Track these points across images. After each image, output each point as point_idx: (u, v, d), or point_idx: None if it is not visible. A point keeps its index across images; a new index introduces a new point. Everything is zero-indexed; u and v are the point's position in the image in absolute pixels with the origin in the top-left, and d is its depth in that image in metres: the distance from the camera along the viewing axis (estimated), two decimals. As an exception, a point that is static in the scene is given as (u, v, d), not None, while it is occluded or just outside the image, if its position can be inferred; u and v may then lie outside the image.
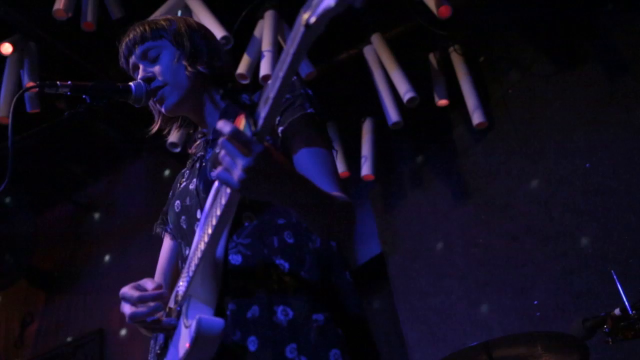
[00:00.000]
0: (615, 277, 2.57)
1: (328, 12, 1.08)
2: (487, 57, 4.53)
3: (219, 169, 1.31)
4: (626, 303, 2.41)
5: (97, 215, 5.76)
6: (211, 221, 1.49)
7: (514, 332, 3.22)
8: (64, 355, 5.31)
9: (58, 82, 1.75)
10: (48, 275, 5.75)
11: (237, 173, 1.28)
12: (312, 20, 1.09)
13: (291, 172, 1.41)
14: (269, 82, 1.24)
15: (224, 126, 1.27)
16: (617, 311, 2.42)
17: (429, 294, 4.24)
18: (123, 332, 5.03)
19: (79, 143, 5.31)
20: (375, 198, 4.72)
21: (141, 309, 1.62)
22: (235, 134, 1.26)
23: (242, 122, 1.28)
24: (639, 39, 3.97)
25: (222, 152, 1.29)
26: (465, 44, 4.38)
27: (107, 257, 5.46)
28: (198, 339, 1.46)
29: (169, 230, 2.02)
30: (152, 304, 1.62)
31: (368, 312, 1.65)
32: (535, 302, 3.80)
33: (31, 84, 3.97)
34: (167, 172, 5.29)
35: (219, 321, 1.50)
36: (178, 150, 4.08)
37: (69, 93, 1.76)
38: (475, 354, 2.72)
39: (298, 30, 1.13)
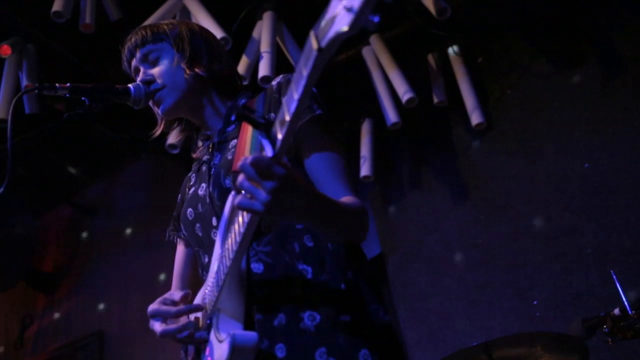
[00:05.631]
0: (614, 277, 2.58)
1: (340, 36, 1.04)
2: (485, 57, 4.53)
3: (240, 196, 1.31)
4: (626, 303, 2.42)
5: (96, 217, 5.76)
6: (234, 237, 1.49)
7: (513, 332, 3.22)
8: (64, 356, 5.31)
9: (57, 84, 1.75)
10: (48, 277, 5.75)
11: (261, 196, 1.28)
12: (324, 44, 1.07)
13: (309, 189, 1.41)
14: (284, 102, 1.22)
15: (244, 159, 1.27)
16: (616, 311, 2.43)
17: (428, 294, 4.24)
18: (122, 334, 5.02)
19: (78, 145, 5.31)
20: (375, 199, 4.72)
21: (172, 326, 1.65)
22: (257, 160, 1.26)
23: (248, 131, 1.26)
24: (637, 38, 3.98)
25: (242, 177, 1.29)
26: (463, 44, 4.38)
27: (106, 259, 5.45)
28: (234, 354, 1.47)
29: (182, 236, 2.02)
30: (185, 320, 1.64)
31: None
32: (535, 303, 3.80)
33: (30, 85, 3.97)
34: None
35: (252, 335, 1.50)
36: (177, 151, 4.08)
37: (67, 95, 1.76)
38: (475, 355, 2.72)
39: (310, 54, 1.11)
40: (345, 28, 1.01)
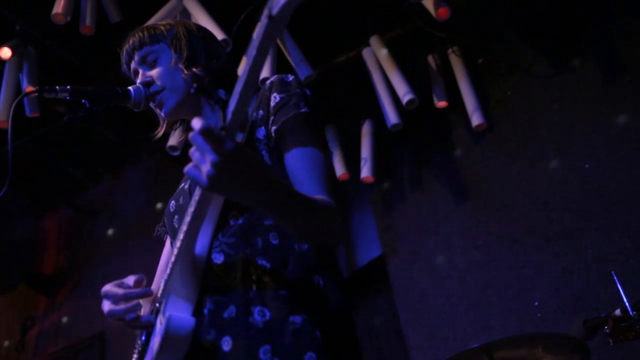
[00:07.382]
0: (615, 277, 2.57)
1: (290, 3, 1.08)
2: (486, 58, 4.53)
3: (189, 165, 1.30)
4: (627, 304, 2.41)
5: (97, 219, 5.76)
6: (186, 218, 1.49)
7: (514, 333, 3.22)
8: (65, 358, 5.31)
9: (57, 87, 1.74)
10: (49, 279, 5.75)
11: (205, 168, 1.26)
12: (275, 11, 1.10)
13: (262, 171, 1.37)
14: (240, 75, 1.25)
15: (196, 123, 1.26)
16: (617, 312, 2.42)
17: (429, 295, 4.24)
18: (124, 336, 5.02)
19: (78, 147, 5.32)
20: (375, 200, 4.72)
21: (120, 306, 1.63)
22: (205, 130, 1.24)
23: None
24: (637, 40, 3.98)
25: (193, 148, 1.28)
26: (464, 45, 4.38)
27: (107, 261, 5.45)
28: (166, 338, 1.45)
29: (169, 231, 2.02)
30: (134, 301, 1.63)
31: (368, 315, 1.64)
32: (536, 304, 3.79)
33: (30, 88, 3.98)
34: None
35: (188, 320, 1.48)
36: (177, 154, 4.08)
37: (68, 97, 1.76)
38: (477, 356, 2.71)
39: (262, 23, 1.15)
40: None
